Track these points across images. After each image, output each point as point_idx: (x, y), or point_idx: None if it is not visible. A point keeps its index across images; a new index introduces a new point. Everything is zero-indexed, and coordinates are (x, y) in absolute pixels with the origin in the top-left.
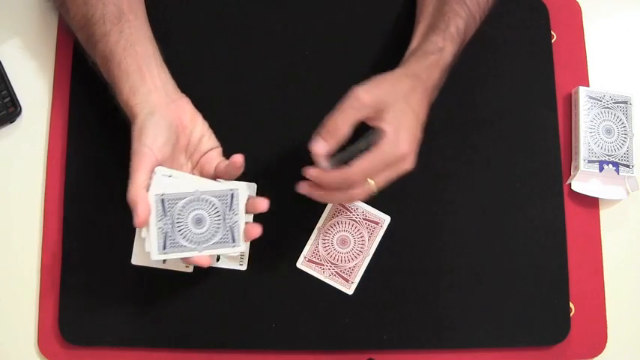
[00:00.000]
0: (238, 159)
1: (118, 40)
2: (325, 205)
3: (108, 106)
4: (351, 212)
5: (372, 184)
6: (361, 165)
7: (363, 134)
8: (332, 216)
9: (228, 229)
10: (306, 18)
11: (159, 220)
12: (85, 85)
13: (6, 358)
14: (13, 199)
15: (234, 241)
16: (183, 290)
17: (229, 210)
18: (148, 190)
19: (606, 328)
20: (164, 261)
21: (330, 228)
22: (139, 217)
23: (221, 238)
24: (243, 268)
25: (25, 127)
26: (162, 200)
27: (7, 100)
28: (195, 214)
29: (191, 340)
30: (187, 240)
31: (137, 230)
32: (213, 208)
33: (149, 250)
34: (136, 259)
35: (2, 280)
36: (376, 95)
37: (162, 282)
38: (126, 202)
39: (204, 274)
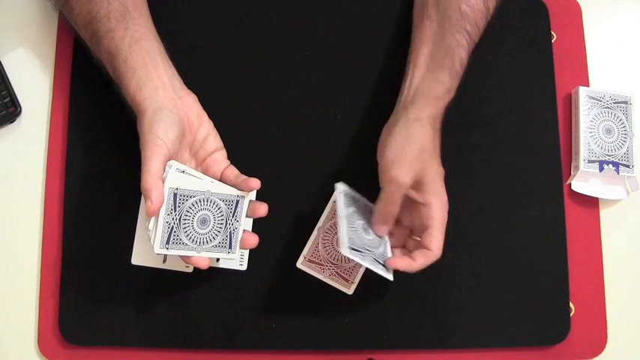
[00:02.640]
0: (256, 185)
1: (124, 36)
2: (325, 205)
3: (108, 106)
4: None
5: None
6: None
7: None
8: (332, 216)
9: (227, 234)
10: (306, 18)
11: (167, 214)
12: (85, 85)
13: (6, 358)
14: (13, 199)
15: (230, 247)
16: (183, 290)
17: (232, 216)
18: (163, 181)
19: (606, 328)
20: (164, 261)
21: (330, 228)
22: (153, 204)
23: (219, 242)
24: (243, 268)
25: (25, 127)
26: (175, 194)
27: (7, 100)
28: (202, 214)
29: (191, 340)
30: (190, 239)
31: (137, 230)
32: (218, 211)
33: (152, 242)
34: (136, 259)
35: (2, 280)
36: (413, 173)
37: (162, 282)
38: (126, 202)
39: (205, 274)
